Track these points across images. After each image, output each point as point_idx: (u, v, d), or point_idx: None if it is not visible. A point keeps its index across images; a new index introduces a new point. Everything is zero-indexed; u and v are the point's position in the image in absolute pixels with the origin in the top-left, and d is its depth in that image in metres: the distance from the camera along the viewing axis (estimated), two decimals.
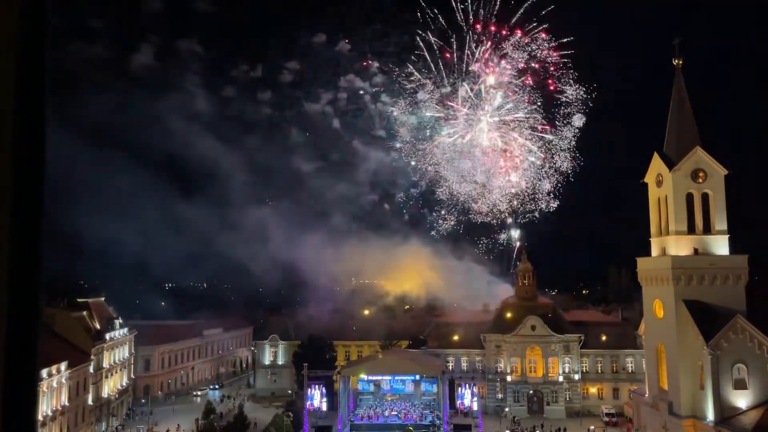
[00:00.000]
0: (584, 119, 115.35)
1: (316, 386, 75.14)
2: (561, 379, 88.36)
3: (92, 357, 78.14)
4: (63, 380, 68.87)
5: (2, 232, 2.16)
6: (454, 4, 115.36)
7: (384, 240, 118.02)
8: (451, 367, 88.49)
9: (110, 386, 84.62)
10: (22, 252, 2.20)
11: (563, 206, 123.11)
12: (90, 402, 77.29)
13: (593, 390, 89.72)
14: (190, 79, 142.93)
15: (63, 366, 68.83)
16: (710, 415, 58.51)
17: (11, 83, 2.15)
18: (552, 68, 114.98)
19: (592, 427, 78.81)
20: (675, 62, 69.09)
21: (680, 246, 64.70)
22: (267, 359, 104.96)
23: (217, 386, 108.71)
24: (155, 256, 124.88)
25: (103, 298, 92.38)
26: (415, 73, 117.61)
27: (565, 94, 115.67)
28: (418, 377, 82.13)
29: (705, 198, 64.89)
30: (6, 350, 2.15)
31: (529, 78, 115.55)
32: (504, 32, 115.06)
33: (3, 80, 2.15)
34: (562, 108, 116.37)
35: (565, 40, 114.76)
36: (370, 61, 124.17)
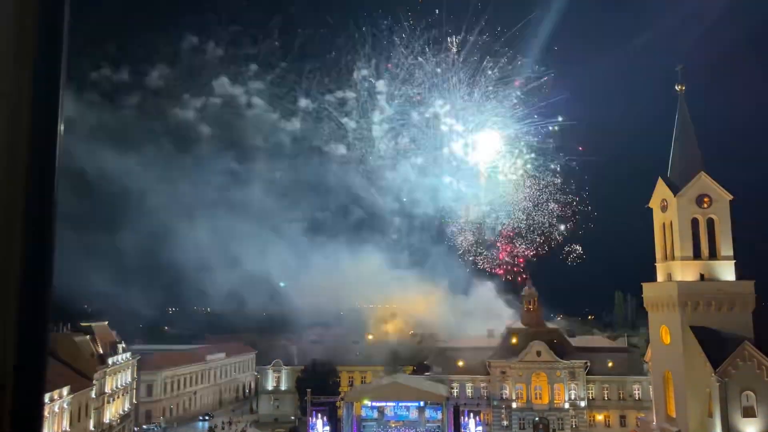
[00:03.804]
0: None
1: (320, 412, 74.43)
2: (567, 406, 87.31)
3: (94, 382, 77.65)
4: (65, 405, 68.38)
5: (13, 256, 2.17)
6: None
7: (382, 263, 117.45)
8: (455, 394, 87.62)
9: (112, 412, 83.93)
10: (33, 275, 2.20)
11: (569, 232, 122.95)
12: (91, 427, 76.60)
13: (600, 417, 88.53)
14: None
15: (65, 391, 68.39)
16: None
17: (27, 101, 2.18)
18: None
19: None
20: (678, 88, 69.50)
21: (686, 271, 64.34)
22: (270, 384, 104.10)
23: (207, 416, 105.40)
24: (160, 281, 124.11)
25: (106, 322, 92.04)
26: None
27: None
28: (422, 404, 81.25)
29: (710, 223, 64.71)
30: (15, 372, 2.15)
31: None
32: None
33: (18, 96, 2.17)
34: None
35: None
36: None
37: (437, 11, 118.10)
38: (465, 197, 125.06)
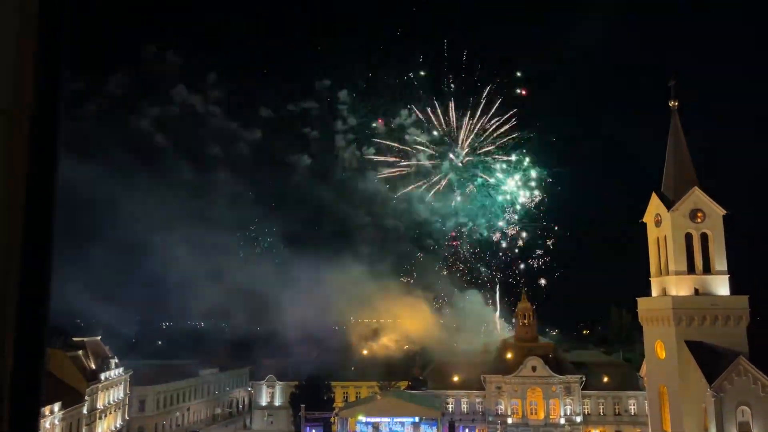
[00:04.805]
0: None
1: (314, 428, 74.01)
2: (563, 421, 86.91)
3: (86, 397, 76.94)
4: (56, 421, 67.71)
5: (11, 268, 2.17)
6: None
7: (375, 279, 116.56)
8: (450, 409, 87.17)
9: (104, 428, 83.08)
10: (31, 292, 2.21)
11: (562, 247, 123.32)
12: None
13: None
14: None
15: (56, 407, 67.75)
16: None
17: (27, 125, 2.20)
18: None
19: None
20: (671, 103, 70.01)
21: (680, 286, 64.44)
22: (264, 400, 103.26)
23: None
24: (151, 298, 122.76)
25: (99, 337, 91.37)
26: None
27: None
28: (417, 419, 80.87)
29: (704, 238, 64.91)
30: (11, 390, 2.15)
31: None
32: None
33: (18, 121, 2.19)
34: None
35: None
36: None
37: (399, 31, 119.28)
38: (439, 210, 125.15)
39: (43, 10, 2.22)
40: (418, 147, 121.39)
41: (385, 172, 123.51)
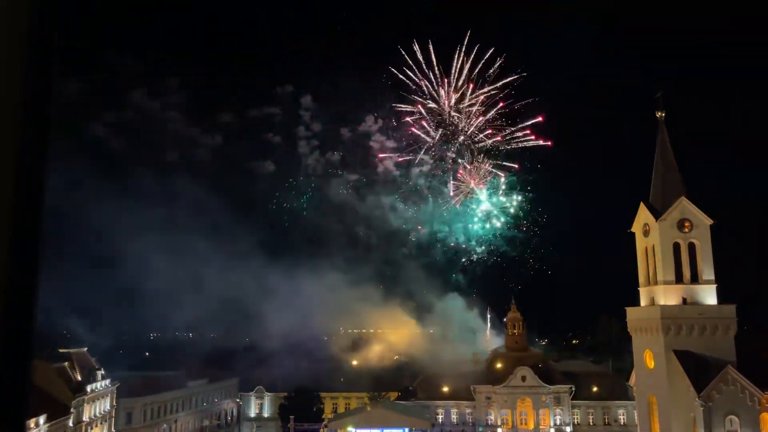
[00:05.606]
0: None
1: None
2: (552, 431, 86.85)
3: (72, 410, 75.99)
4: None
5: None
6: None
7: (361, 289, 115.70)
8: (440, 419, 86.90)
9: None
10: (17, 300, 2.17)
11: (552, 256, 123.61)
12: None
13: None
14: None
15: (42, 419, 66.90)
16: None
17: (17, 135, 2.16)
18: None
19: None
20: (658, 115, 70.69)
21: (668, 295, 64.79)
22: (252, 411, 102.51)
23: None
24: (137, 309, 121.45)
25: (85, 349, 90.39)
26: None
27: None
28: (407, 430, 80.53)
29: (692, 247, 65.40)
30: None
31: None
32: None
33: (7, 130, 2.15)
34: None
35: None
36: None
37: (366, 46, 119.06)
38: (412, 217, 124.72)
39: (35, 10, 2.19)
40: (385, 154, 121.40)
41: (353, 180, 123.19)
